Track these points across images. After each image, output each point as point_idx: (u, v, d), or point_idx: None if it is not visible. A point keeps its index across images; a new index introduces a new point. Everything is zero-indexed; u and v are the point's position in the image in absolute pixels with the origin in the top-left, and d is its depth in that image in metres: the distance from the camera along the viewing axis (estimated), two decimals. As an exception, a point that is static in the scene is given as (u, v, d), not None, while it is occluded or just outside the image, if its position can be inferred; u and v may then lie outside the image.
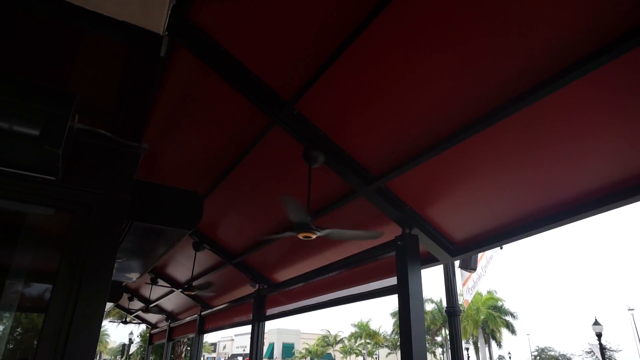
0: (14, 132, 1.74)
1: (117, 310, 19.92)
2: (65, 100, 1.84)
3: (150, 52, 2.72)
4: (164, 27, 2.83)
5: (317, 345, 47.16)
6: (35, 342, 1.87)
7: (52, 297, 1.90)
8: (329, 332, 48.35)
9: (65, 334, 1.83)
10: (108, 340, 49.62)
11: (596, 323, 21.47)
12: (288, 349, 48.25)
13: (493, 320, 35.98)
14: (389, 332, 44.10)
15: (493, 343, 37.24)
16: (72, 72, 2.75)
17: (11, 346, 2.84)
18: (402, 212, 4.11)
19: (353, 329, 45.63)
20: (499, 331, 36.53)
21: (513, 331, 36.88)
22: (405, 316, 3.87)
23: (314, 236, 3.85)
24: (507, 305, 38.32)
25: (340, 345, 46.71)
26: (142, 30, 2.68)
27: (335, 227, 3.91)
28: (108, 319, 26.05)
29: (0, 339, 2.65)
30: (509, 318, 37.05)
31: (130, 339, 31.81)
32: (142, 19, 2.70)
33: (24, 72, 2.37)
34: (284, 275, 6.65)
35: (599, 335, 21.48)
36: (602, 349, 23.30)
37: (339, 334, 47.75)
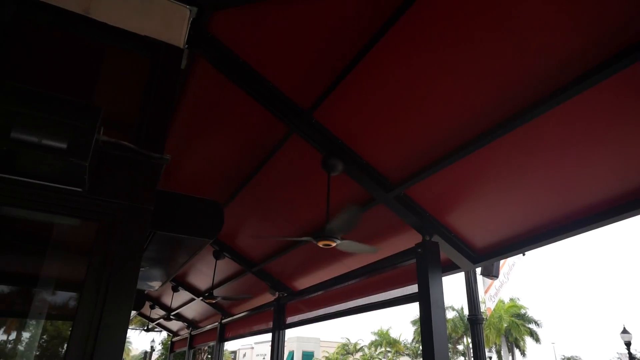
0: (43, 145, 1.80)
1: (139, 317, 20.17)
2: (91, 114, 1.90)
3: (171, 65, 2.79)
4: (184, 40, 2.89)
5: (337, 353, 46.82)
6: (61, 349, 1.91)
7: (79, 305, 1.95)
8: (348, 340, 47.99)
9: (93, 341, 1.88)
10: (130, 347, 50.18)
11: (625, 331, 20.82)
12: (308, 357, 47.99)
13: (516, 328, 35.21)
14: (410, 340, 43.56)
15: (517, 352, 36.43)
16: (97, 86, 2.84)
17: (38, 353, 2.91)
18: (422, 219, 4.09)
19: (373, 337, 45.20)
20: (523, 340, 35.70)
21: (537, 339, 36.01)
22: (427, 324, 3.84)
23: (333, 244, 3.87)
24: (531, 312, 37.49)
25: (360, 353, 46.27)
26: (164, 44, 2.75)
27: (349, 237, 3.92)
28: (130, 327, 26.37)
29: (30, 345, 2.73)
30: (532, 326, 36.22)
31: (152, 347, 32.11)
32: (164, 33, 2.77)
33: (52, 88, 2.45)
34: (304, 283, 6.65)
35: (627, 344, 20.81)
36: (632, 358, 22.59)
37: (358, 342, 47.33)
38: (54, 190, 2.05)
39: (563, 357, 46.68)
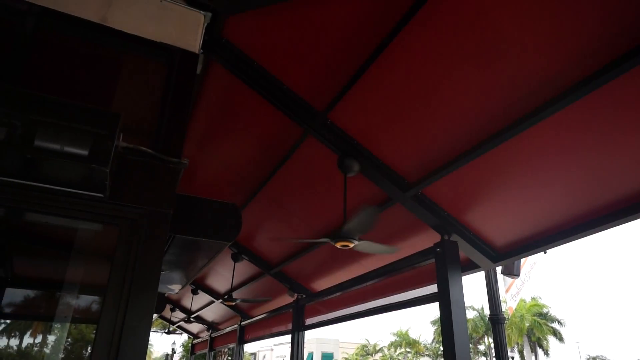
0: (65, 152, 1.84)
1: (160, 320, 20.46)
2: (111, 121, 1.94)
3: (187, 70, 2.82)
4: (199, 46, 2.93)
5: (356, 354, 46.71)
6: (85, 352, 1.94)
7: (103, 308, 1.99)
8: (368, 341, 47.82)
9: (117, 344, 1.91)
10: (152, 350, 50.83)
11: (652, 330, 20.31)
12: (327, 358, 47.95)
13: (539, 327, 34.60)
14: (430, 340, 43.20)
15: (540, 351, 35.80)
16: (115, 93, 2.89)
17: (63, 355, 2.98)
18: (440, 218, 4.05)
19: (392, 338, 44.97)
20: (546, 339, 35.06)
21: (561, 339, 35.34)
22: (447, 325, 3.80)
23: (351, 245, 3.86)
24: (554, 311, 36.75)
25: (379, 354, 46.06)
26: (179, 50, 2.79)
27: (367, 238, 3.91)
28: (152, 329, 26.67)
29: (55, 348, 2.79)
30: (555, 325, 35.56)
31: (173, 349, 32.44)
32: (179, 39, 2.80)
33: (71, 96, 2.51)
34: (322, 284, 6.66)
35: (655, 343, 20.27)
36: (660, 357, 21.98)
37: (378, 343, 47.15)
38: (76, 197, 2.10)
39: (588, 357, 45.71)
